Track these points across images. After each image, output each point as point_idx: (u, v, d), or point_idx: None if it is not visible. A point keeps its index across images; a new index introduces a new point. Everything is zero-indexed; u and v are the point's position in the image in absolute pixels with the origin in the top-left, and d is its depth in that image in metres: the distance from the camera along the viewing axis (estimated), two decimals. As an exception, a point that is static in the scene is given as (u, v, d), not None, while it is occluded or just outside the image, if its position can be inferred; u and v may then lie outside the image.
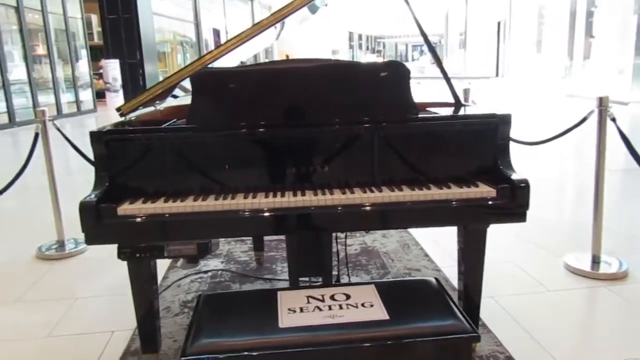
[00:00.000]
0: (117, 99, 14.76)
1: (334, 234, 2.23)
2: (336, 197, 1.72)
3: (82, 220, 1.66)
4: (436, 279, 1.69)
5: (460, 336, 1.37)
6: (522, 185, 1.74)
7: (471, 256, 1.96)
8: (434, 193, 1.75)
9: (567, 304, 2.42)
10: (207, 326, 1.41)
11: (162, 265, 2.87)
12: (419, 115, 1.91)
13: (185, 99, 2.39)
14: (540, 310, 2.37)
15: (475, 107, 2.17)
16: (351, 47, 44.22)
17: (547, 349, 2.04)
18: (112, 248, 1.77)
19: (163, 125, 1.93)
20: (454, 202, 1.75)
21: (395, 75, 1.93)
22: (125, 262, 1.83)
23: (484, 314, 2.21)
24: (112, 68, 14.75)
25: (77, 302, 2.59)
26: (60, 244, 3.34)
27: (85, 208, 1.65)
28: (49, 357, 2.11)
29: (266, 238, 3.21)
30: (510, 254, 3.02)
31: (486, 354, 2.01)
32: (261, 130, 1.80)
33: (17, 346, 2.19)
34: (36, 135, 3.22)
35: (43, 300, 2.63)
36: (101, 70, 14.97)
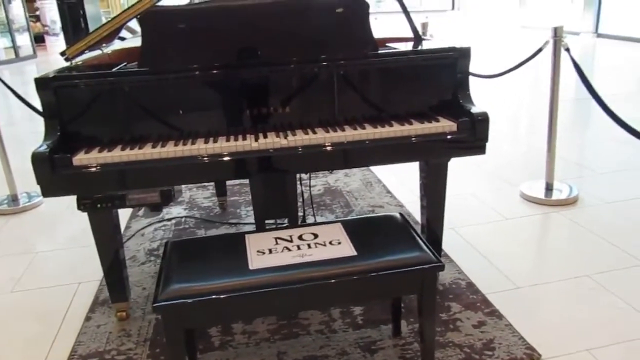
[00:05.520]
0: (57, 42, 13.86)
1: (297, 175, 2.22)
2: (299, 138, 1.70)
3: (37, 172, 1.59)
4: (400, 214, 1.73)
5: (425, 266, 1.42)
6: (481, 118, 1.77)
7: (433, 190, 2.01)
8: (397, 130, 1.76)
9: (523, 231, 2.55)
10: (177, 272, 1.41)
11: (123, 214, 2.82)
12: (379, 52, 1.88)
13: (134, 41, 2.27)
14: (498, 238, 2.48)
15: (434, 42, 2.15)
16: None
17: (504, 273, 2.16)
18: (69, 200, 1.72)
19: (114, 69, 1.83)
20: (416, 138, 1.76)
21: (354, 10, 1.87)
22: (85, 214, 1.78)
23: (445, 245, 2.30)
24: (50, 9, 13.75)
25: (38, 256, 2.53)
26: (13, 198, 3.22)
27: (38, 159, 1.57)
28: (15, 311, 2.08)
29: (228, 182, 3.19)
30: (470, 186, 3.12)
31: (449, 281, 2.11)
32: (218, 70, 1.74)
33: (-20, 304, 2.14)
34: (-26, 84, 3.01)
35: (2, 255, 2.56)
36: (38, 12, 13.94)
